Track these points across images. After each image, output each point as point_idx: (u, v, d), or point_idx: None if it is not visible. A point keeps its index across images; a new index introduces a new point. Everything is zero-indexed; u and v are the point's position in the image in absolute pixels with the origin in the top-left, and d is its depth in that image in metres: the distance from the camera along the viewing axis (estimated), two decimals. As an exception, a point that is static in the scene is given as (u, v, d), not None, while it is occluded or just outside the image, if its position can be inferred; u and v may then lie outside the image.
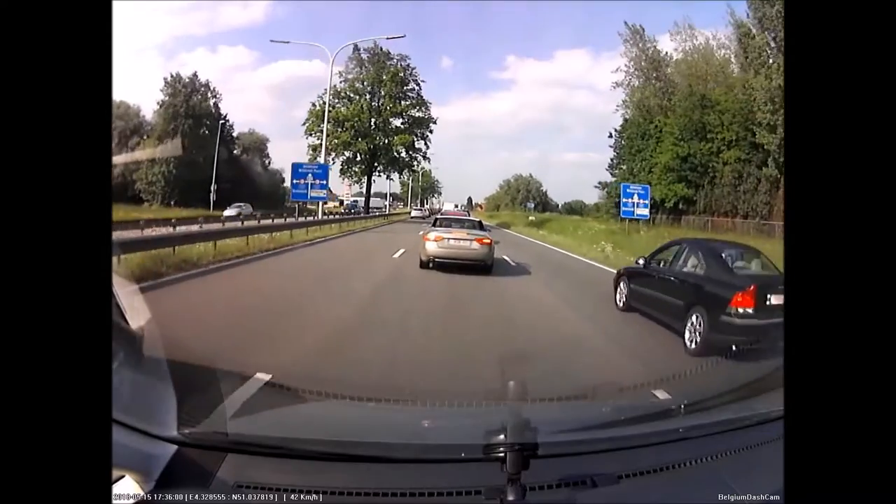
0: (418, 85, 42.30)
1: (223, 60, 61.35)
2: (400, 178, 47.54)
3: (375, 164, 41.75)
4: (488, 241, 10.99)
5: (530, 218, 42.46)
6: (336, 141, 38.82)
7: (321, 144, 35.48)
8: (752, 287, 5.34)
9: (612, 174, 38.21)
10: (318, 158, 34.63)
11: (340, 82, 40.50)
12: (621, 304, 7.79)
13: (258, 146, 47.00)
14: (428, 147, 43.22)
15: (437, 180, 72.46)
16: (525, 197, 63.46)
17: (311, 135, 38.83)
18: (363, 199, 46.03)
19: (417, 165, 44.64)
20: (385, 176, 44.41)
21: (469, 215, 17.19)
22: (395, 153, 41.65)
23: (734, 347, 4.86)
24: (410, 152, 42.62)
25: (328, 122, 35.44)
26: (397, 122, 41.92)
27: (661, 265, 7.01)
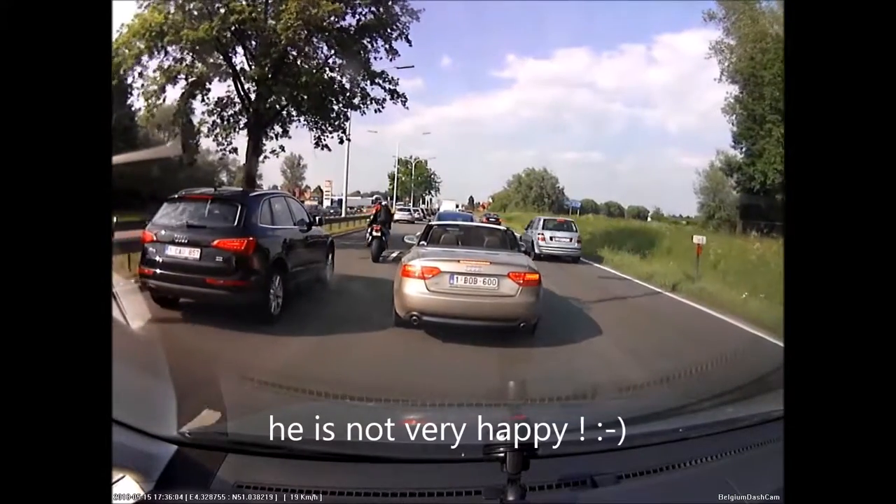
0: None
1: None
2: (339, 131, 17.20)
3: (268, 96, 15.97)
4: (533, 276, 5.50)
5: (698, 239, 11.61)
6: (139, 32, 14.55)
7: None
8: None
9: (741, 149, 21.63)
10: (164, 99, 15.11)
11: None
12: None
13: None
14: (395, 52, 16.76)
15: (434, 173, 54.24)
16: (539, 194, 51.99)
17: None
18: (368, 198, 26.60)
19: (370, 105, 17.11)
20: (315, 138, 17.11)
21: (473, 219, 11.93)
22: (285, 50, 15.56)
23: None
24: (343, 62, 16.65)
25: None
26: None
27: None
